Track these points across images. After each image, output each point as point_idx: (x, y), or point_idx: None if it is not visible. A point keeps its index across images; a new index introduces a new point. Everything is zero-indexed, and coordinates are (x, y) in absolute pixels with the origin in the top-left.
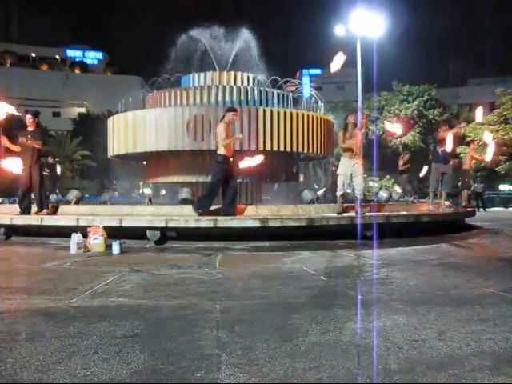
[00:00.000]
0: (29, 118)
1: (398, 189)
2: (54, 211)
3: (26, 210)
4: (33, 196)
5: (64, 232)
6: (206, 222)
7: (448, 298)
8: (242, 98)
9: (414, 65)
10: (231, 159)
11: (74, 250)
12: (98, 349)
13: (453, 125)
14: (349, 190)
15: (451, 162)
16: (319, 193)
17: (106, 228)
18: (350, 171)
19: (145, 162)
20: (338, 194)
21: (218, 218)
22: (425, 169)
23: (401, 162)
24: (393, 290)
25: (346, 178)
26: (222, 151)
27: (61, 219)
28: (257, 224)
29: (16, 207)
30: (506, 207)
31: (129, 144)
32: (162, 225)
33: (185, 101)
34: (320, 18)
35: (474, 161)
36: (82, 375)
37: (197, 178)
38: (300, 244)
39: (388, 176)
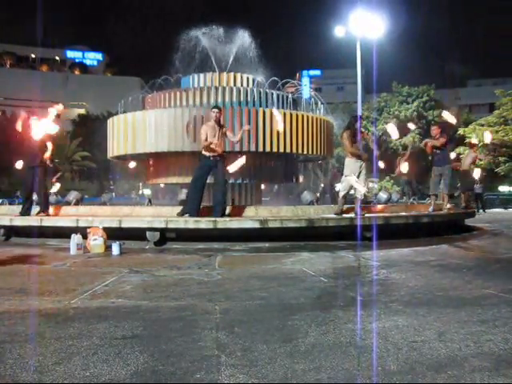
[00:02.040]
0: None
1: (383, 194)
2: (54, 212)
3: (27, 212)
4: (34, 197)
5: (64, 233)
6: (205, 223)
7: (448, 299)
8: (241, 99)
9: (414, 66)
10: (210, 158)
11: (73, 250)
12: (98, 350)
13: (452, 126)
14: (351, 191)
15: (451, 164)
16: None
17: (105, 229)
18: (357, 172)
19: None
20: (341, 194)
21: (218, 219)
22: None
23: (402, 161)
24: (392, 291)
25: (353, 180)
26: (204, 152)
27: (60, 220)
28: (256, 225)
29: (15, 208)
30: (505, 208)
31: (128, 145)
32: (162, 226)
33: (184, 102)
34: (320, 19)
35: (478, 161)
36: (81, 376)
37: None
38: (300, 245)
39: (387, 177)
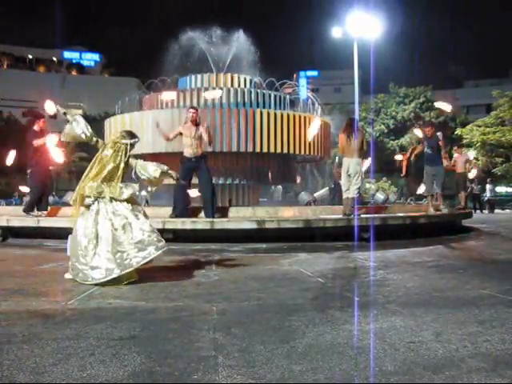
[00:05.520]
0: (43, 121)
1: (380, 195)
2: (52, 213)
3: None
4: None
5: (61, 234)
6: (202, 224)
7: (445, 300)
8: (238, 99)
9: (411, 66)
10: (192, 159)
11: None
12: (95, 351)
13: (450, 127)
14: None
15: (444, 164)
16: (316, 194)
17: None
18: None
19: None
20: (356, 194)
21: (215, 219)
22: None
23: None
24: (389, 292)
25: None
26: (185, 153)
27: (58, 221)
28: (254, 226)
29: (12, 209)
30: (502, 209)
31: None
32: (159, 226)
33: (182, 102)
34: (317, 20)
35: (475, 161)
36: (78, 377)
37: (193, 179)
38: (297, 246)
39: (384, 178)
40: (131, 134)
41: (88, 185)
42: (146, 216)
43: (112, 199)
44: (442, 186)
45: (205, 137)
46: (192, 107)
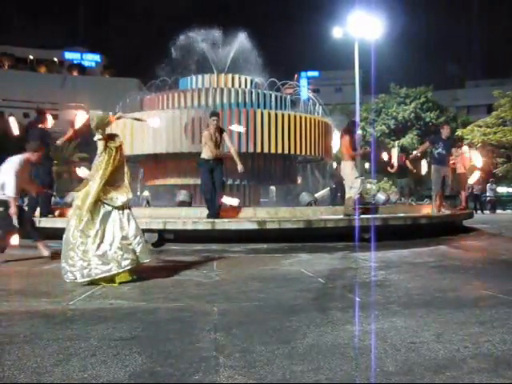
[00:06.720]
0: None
1: (381, 196)
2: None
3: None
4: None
5: (62, 234)
6: (203, 225)
7: (446, 301)
8: (239, 100)
9: (412, 67)
10: (210, 161)
11: None
12: (96, 351)
13: (451, 127)
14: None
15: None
16: (317, 195)
17: None
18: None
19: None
20: (356, 196)
21: (216, 220)
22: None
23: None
24: (391, 293)
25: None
26: (204, 155)
27: (59, 221)
28: (255, 226)
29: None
30: (504, 209)
31: (126, 146)
32: (160, 227)
33: (183, 103)
34: (318, 20)
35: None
36: (79, 377)
37: (195, 180)
38: (298, 246)
39: (385, 178)
40: (116, 136)
41: (87, 189)
42: (130, 223)
43: (104, 204)
44: (449, 188)
45: (228, 142)
46: (215, 114)
